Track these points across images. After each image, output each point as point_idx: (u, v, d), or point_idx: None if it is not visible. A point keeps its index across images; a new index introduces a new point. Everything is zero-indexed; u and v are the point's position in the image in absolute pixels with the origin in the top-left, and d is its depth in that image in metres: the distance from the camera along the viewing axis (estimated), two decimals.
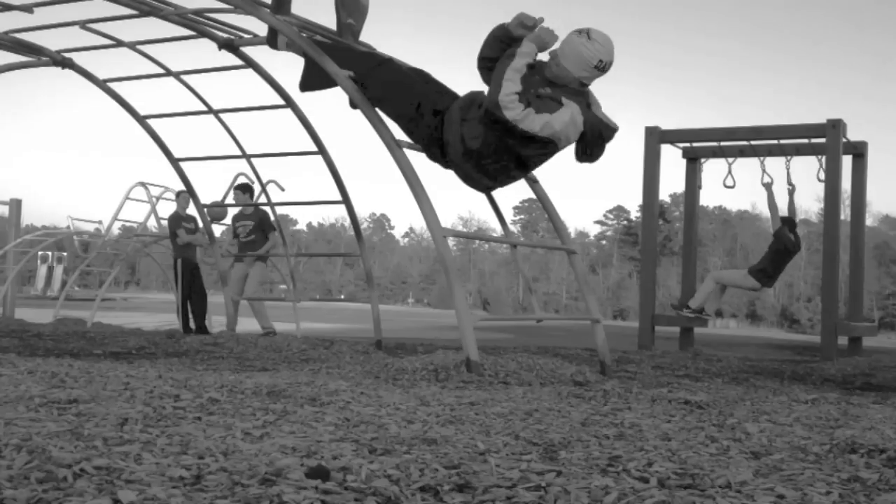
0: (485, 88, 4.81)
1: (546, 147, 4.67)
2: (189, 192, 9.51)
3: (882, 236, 61.85)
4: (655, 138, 10.53)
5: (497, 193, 5.68)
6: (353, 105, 5.22)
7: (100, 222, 16.44)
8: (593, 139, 4.72)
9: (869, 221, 46.35)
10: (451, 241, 5.85)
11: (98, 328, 10.51)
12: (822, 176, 9.91)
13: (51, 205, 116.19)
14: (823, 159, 9.89)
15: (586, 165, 4.94)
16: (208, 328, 10.22)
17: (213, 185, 10.89)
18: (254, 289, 9.91)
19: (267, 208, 9.76)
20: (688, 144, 10.92)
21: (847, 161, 10.28)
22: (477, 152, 4.70)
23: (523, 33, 4.62)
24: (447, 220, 74.19)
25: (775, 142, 10.35)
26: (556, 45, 4.64)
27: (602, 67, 4.59)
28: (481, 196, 5.68)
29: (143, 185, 13.08)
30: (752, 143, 10.39)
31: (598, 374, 5.07)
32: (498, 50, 4.68)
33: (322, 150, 8.14)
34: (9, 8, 6.83)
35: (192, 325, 10.03)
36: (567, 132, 4.58)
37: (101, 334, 8.22)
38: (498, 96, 4.43)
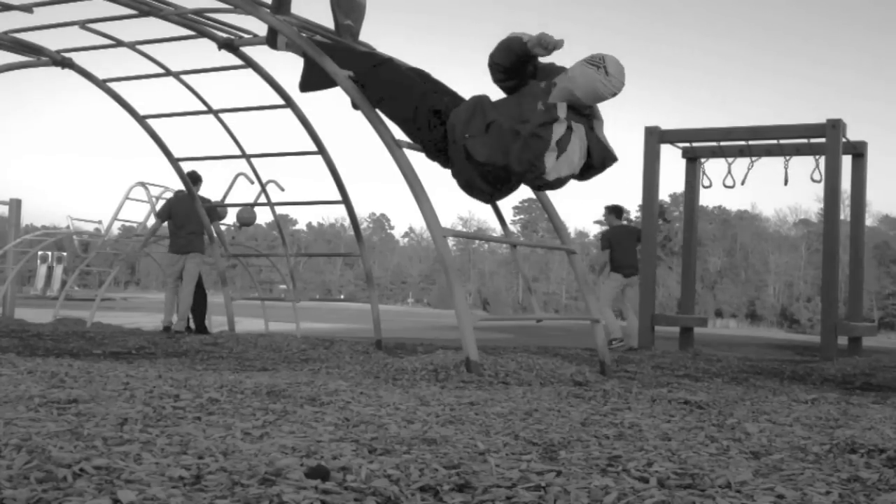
0: (494, 91, 4.81)
1: (563, 182, 4.76)
2: (188, 192, 9.50)
3: (882, 236, 61.85)
4: (655, 138, 10.53)
5: None
6: (356, 106, 5.22)
7: (100, 222, 16.44)
8: (596, 165, 4.76)
9: (869, 221, 46.38)
10: (451, 241, 5.85)
11: (98, 328, 10.51)
12: (817, 176, 9.93)
13: (51, 205, 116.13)
14: (820, 160, 9.90)
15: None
16: (208, 328, 10.23)
17: (213, 184, 10.92)
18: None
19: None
20: (688, 144, 10.92)
21: (847, 161, 10.29)
22: (481, 165, 4.68)
23: (540, 53, 4.55)
24: (447, 220, 74.13)
25: (775, 142, 10.36)
26: (571, 74, 4.59)
27: (611, 97, 4.64)
28: None
29: (142, 185, 13.10)
30: (752, 143, 10.40)
31: (598, 374, 5.07)
32: (509, 61, 4.65)
33: (322, 150, 8.14)
34: (9, 8, 6.83)
35: (191, 324, 10.04)
36: (578, 164, 4.65)
37: (101, 334, 8.22)
38: (546, 170, 4.50)
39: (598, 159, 4.73)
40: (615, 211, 10.79)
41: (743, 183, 10.58)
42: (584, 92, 4.54)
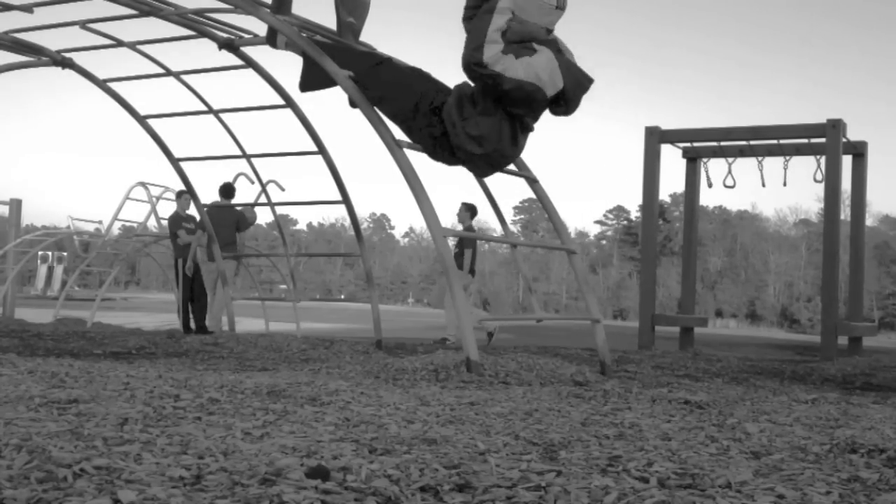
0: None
1: (535, 96, 4.59)
2: (189, 193, 9.52)
3: (882, 236, 61.81)
4: (655, 138, 10.53)
5: (497, 193, 5.67)
6: (353, 104, 5.22)
7: (100, 222, 16.45)
8: (572, 86, 4.71)
9: (869, 221, 46.31)
10: (451, 241, 5.87)
11: (98, 328, 10.52)
12: (820, 177, 9.93)
13: (51, 205, 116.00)
14: (822, 160, 9.91)
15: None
16: (209, 328, 10.23)
17: (213, 185, 10.91)
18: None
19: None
20: (688, 144, 10.93)
21: (847, 161, 10.30)
22: (481, 138, 4.68)
23: None
24: (447, 220, 73.75)
25: (775, 142, 10.37)
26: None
27: (561, 5, 4.62)
28: (481, 196, 5.68)
29: (143, 185, 13.10)
30: (752, 143, 10.42)
31: (598, 374, 5.07)
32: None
33: (322, 150, 8.14)
34: (9, 8, 6.83)
35: (192, 324, 10.05)
36: (552, 77, 4.57)
37: (101, 334, 8.22)
38: (483, 57, 4.42)
39: (570, 82, 4.69)
40: (472, 210, 10.56)
41: (763, 185, 10.60)
42: (531, 9, 4.53)
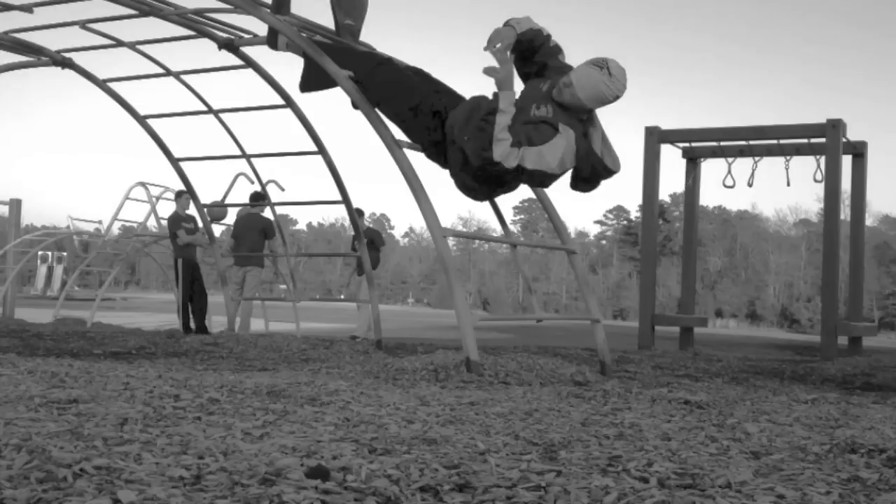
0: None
1: (546, 180, 4.65)
2: (189, 192, 9.52)
3: (882, 236, 61.77)
4: (655, 138, 10.54)
5: None
6: (356, 106, 5.22)
7: (100, 222, 16.44)
8: (588, 172, 4.66)
9: (869, 221, 46.30)
10: (451, 241, 5.86)
11: (98, 328, 10.51)
12: (820, 177, 9.94)
13: (51, 205, 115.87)
14: (822, 160, 9.92)
15: None
16: (208, 328, 10.23)
17: (213, 185, 10.94)
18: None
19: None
20: (688, 144, 10.94)
21: (847, 161, 10.30)
22: (479, 167, 4.65)
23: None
24: (447, 220, 73.97)
25: (775, 142, 10.38)
26: (574, 74, 4.51)
27: (615, 100, 4.56)
28: None
29: (143, 185, 13.09)
30: (752, 142, 10.42)
31: (598, 374, 5.08)
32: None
33: (322, 150, 8.14)
34: (9, 8, 6.83)
35: (192, 324, 10.04)
36: (563, 162, 4.51)
37: (101, 334, 8.22)
38: (494, 157, 4.38)
39: (586, 170, 4.63)
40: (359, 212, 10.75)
41: (750, 185, 10.61)
42: (587, 93, 4.43)
